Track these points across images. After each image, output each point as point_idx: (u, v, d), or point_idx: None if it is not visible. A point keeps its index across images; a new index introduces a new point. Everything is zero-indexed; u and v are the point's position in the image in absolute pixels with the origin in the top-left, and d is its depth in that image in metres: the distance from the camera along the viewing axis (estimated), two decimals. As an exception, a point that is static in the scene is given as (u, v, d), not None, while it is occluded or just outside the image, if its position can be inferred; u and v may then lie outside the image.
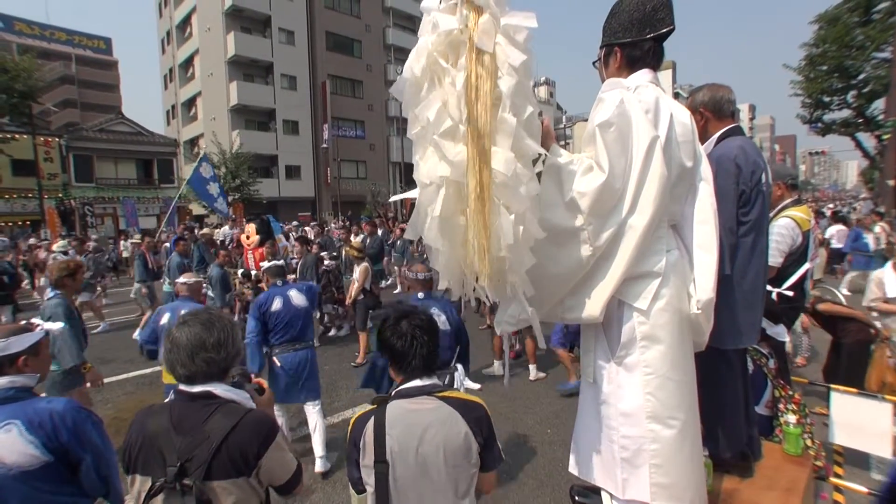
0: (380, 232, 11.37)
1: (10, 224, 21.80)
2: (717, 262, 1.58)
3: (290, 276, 7.14)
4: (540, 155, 1.49)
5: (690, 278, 1.59)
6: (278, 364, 3.65)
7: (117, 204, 24.30)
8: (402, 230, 16.27)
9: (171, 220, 19.67)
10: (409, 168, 33.02)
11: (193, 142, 32.93)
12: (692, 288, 1.58)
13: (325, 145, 31.04)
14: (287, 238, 12.34)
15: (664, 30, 1.65)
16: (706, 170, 1.64)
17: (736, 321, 1.77)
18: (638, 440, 1.54)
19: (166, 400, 1.42)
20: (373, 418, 1.43)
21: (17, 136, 20.72)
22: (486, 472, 1.50)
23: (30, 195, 21.62)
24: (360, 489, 1.45)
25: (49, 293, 3.73)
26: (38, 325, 1.87)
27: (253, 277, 6.37)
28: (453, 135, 1.39)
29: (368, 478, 1.41)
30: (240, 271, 6.94)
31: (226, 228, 15.65)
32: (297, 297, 3.73)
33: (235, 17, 29.16)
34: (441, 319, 3.06)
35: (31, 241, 14.71)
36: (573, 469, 1.80)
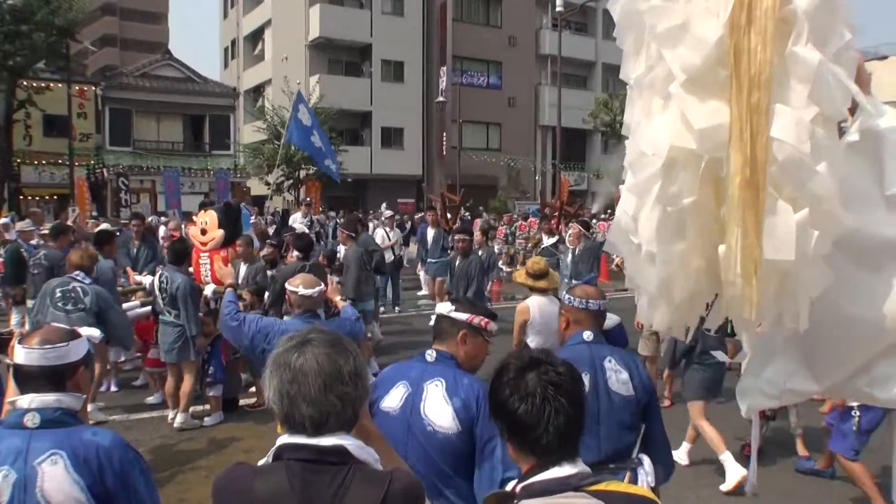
0: (433, 231, 10.10)
1: (37, 198, 20.52)
2: None
3: None
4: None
5: None
6: None
7: (157, 176, 21.54)
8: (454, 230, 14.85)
9: (221, 200, 15.77)
10: (570, 135, 22.79)
11: (258, 91, 28.40)
12: None
13: (441, 98, 24.26)
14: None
15: None
16: None
17: None
18: None
19: (264, 461, 1.16)
20: None
21: (51, 84, 19.92)
22: None
23: (60, 161, 20.31)
24: None
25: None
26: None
27: (212, 294, 5.07)
28: (705, 83, 1.10)
29: None
30: (208, 288, 5.24)
31: (297, 216, 12.60)
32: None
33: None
34: (621, 377, 2.23)
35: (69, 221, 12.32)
36: None
